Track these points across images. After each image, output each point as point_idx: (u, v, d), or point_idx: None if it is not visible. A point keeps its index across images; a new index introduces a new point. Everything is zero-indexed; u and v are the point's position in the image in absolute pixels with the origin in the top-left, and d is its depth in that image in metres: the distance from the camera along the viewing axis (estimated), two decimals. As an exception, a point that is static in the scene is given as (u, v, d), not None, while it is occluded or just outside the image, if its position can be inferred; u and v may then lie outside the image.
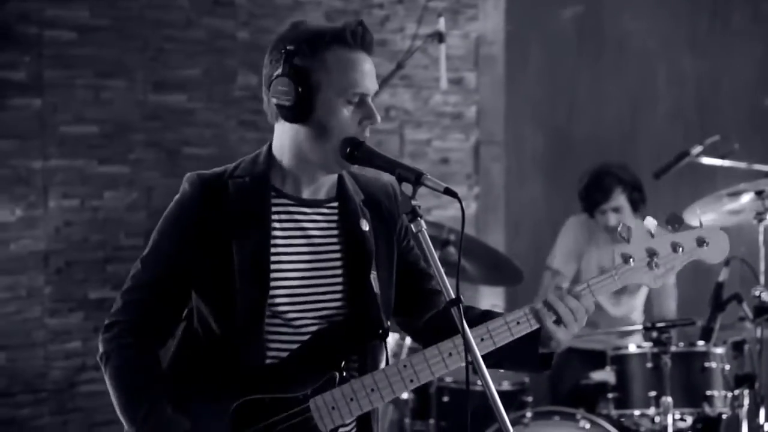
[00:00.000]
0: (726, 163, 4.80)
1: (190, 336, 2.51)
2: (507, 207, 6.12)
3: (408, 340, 4.39)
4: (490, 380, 2.23)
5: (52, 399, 5.00)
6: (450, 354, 2.40)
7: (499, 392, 2.25)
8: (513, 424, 2.24)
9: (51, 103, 4.98)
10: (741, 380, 4.05)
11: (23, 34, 4.92)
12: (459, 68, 5.92)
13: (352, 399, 2.39)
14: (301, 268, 2.47)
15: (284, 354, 2.44)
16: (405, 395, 4.44)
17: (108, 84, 5.10)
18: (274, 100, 2.44)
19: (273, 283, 2.43)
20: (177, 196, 2.50)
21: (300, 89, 2.39)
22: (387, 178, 2.47)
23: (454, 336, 2.40)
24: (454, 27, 5.85)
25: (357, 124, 2.42)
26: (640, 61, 6.45)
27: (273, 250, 2.44)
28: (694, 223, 4.46)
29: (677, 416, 4.10)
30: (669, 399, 3.94)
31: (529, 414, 4.15)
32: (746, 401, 4.04)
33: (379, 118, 2.46)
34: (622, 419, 4.22)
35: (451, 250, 4.45)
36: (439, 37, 4.62)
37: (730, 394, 4.10)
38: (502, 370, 4.50)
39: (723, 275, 4.14)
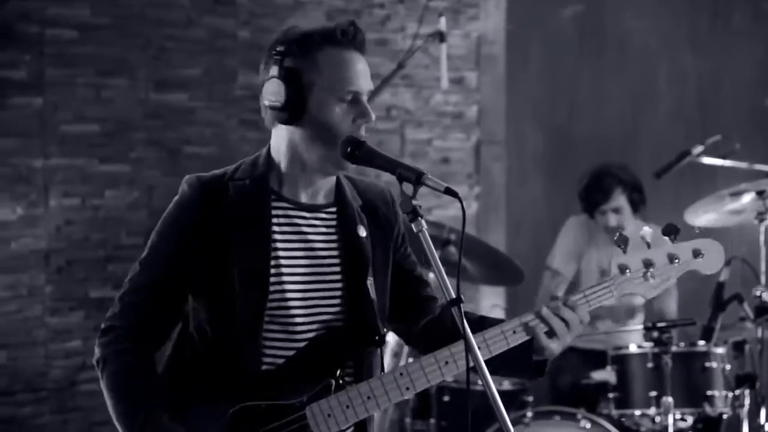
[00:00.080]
0: (727, 162, 4.80)
1: (185, 339, 2.49)
2: (508, 206, 6.12)
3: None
4: (490, 380, 2.23)
5: (53, 398, 5.00)
6: (446, 362, 2.40)
7: (499, 392, 2.24)
8: (514, 424, 2.24)
9: (52, 102, 4.98)
10: (742, 380, 4.05)
11: (24, 32, 4.92)
12: (460, 68, 5.92)
13: (348, 406, 2.38)
14: (300, 272, 2.46)
15: (280, 360, 2.43)
16: (405, 395, 4.44)
17: (109, 83, 5.10)
18: (266, 103, 2.43)
19: (272, 288, 2.42)
20: (176, 198, 2.48)
21: (291, 90, 2.39)
22: (385, 182, 2.46)
23: (450, 343, 2.40)
24: (455, 26, 5.85)
25: (351, 122, 2.41)
26: (640, 61, 6.44)
27: (272, 254, 2.43)
28: (697, 223, 4.48)
29: (678, 416, 4.10)
30: (670, 399, 3.94)
31: (529, 414, 4.15)
32: (747, 401, 4.05)
33: (374, 117, 2.44)
34: (623, 419, 4.22)
35: (452, 249, 4.45)
36: (440, 36, 4.61)
37: (730, 394, 4.10)
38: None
39: (724, 275, 4.14)
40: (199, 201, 2.43)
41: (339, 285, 2.50)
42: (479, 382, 2.25)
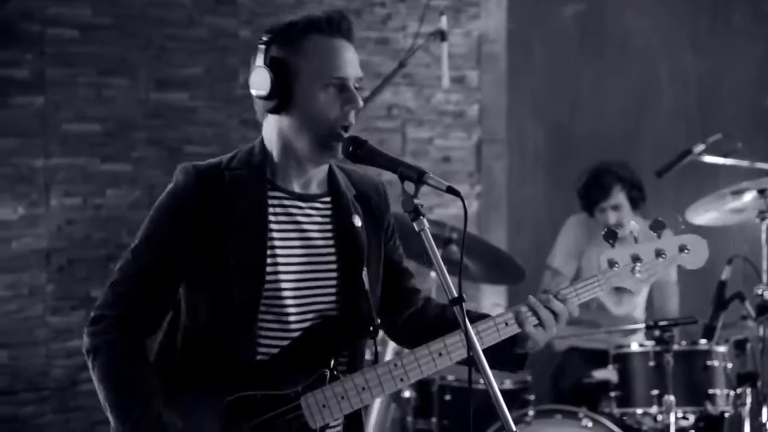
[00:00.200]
0: (728, 161, 4.79)
1: (176, 328, 2.48)
2: (509, 205, 6.12)
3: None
4: (492, 379, 2.23)
5: (54, 397, 5.00)
6: (440, 354, 2.41)
7: (501, 391, 2.24)
8: (515, 423, 2.24)
9: (53, 101, 4.98)
10: (743, 379, 4.05)
11: (25, 32, 4.92)
12: (461, 66, 5.92)
13: (342, 397, 2.39)
14: (296, 262, 2.46)
15: (275, 350, 2.43)
16: (407, 393, 4.45)
17: (110, 82, 5.10)
18: (253, 92, 2.44)
19: (268, 277, 2.41)
20: (170, 187, 2.46)
21: (277, 78, 2.40)
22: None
23: (432, 335, 2.42)
24: (456, 25, 5.85)
25: (339, 109, 2.42)
26: (641, 60, 6.44)
27: (268, 243, 2.42)
28: (697, 221, 4.49)
29: (680, 415, 4.10)
30: (671, 397, 3.93)
31: (531, 412, 4.15)
32: (749, 400, 4.05)
33: (361, 103, 2.45)
34: (625, 418, 4.22)
35: (453, 248, 4.45)
36: (441, 35, 4.61)
37: (732, 393, 4.10)
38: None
39: (725, 274, 4.14)
40: (195, 189, 2.41)
41: (334, 275, 2.50)
42: (481, 380, 2.25)
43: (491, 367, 2.27)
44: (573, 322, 4.95)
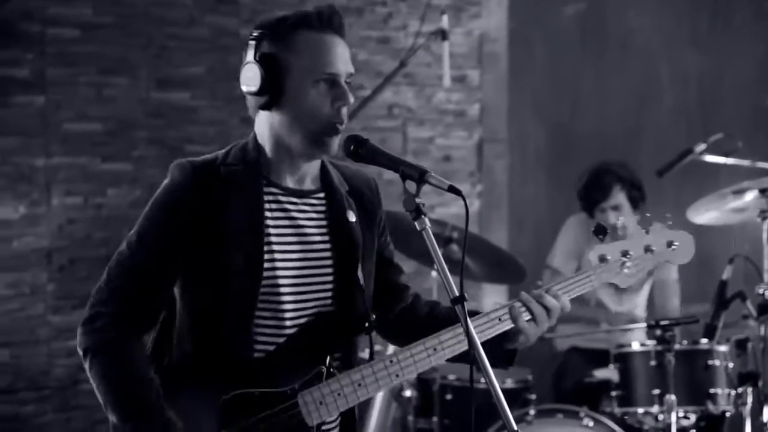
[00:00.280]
0: (729, 160, 4.79)
1: (170, 326, 2.47)
2: (510, 204, 6.12)
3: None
4: (494, 378, 2.23)
5: (56, 396, 5.00)
6: (435, 350, 2.42)
7: (502, 390, 2.24)
8: (516, 422, 2.24)
9: (54, 101, 4.98)
10: (744, 378, 4.05)
11: (26, 31, 4.92)
12: (462, 66, 5.92)
13: (339, 394, 2.39)
14: (292, 258, 2.45)
15: (271, 347, 2.42)
16: (408, 392, 4.45)
17: (111, 81, 5.10)
18: (244, 88, 2.43)
19: (265, 273, 2.40)
20: (166, 182, 2.44)
21: (268, 74, 2.38)
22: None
23: (422, 332, 2.44)
24: (457, 24, 5.85)
25: (330, 105, 2.41)
26: (642, 59, 6.44)
27: (265, 239, 2.41)
28: (698, 221, 4.48)
29: (681, 414, 4.10)
30: (672, 397, 3.93)
31: (532, 412, 4.15)
32: (750, 399, 4.05)
33: (351, 99, 2.43)
34: (626, 417, 4.22)
35: (454, 247, 4.45)
36: (442, 34, 4.61)
37: (733, 392, 4.11)
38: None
39: (727, 273, 4.14)
40: (191, 185, 2.40)
41: (330, 270, 2.49)
42: (482, 380, 2.25)
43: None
44: (573, 320, 4.97)
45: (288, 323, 2.44)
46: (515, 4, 6.08)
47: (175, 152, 5.18)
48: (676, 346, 4.00)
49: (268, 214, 2.43)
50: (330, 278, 2.49)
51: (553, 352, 5.18)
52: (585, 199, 5.08)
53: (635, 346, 4.26)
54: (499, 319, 2.46)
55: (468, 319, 2.24)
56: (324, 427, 2.44)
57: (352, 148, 2.38)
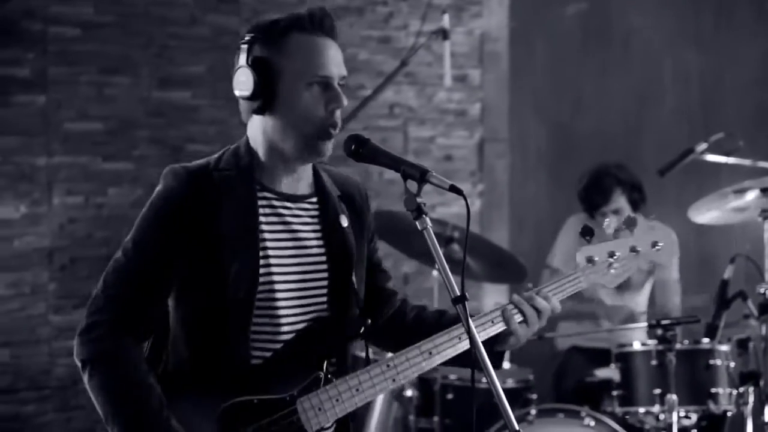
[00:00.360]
0: (731, 160, 4.79)
1: (165, 336, 2.45)
2: (511, 204, 6.12)
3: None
4: (495, 377, 2.22)
5: (56, 396, 5.00)
6: (430, 353, 2.43)
7: (503, 390, 2.24)
8: (517, 422, 2.24)
9: (55, 100, 4.98)
10: (746, 378, 4.05)
11: (27, 30, 4.92)
12: (463, 65, 5.92)
13: (337, 400, 2.39)
14: (287, 263, 2.44)
15: (268, 353, 2.42)
16: (409, 392, 4.45)
17: (112, 81, 5.10)
18: (237, 93, 2.42)
19: (261, 279, 2.39)
20: (160, 189, 2.43)
21: (260, 78, 2.37)
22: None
23: (412, 337, 2.45)
24: (458, 24, 5.85)
25: (324, 108, 2.40)
26: (644, 58, 6.44)
27: (261, 245, 2.40)
28: (698, 220, 4.48)
29: (682, 414, 4.10)
30: (674, 396, 3.93)
31: (533, 411, 4.14)
32: (751, 399, 4.05)
33: (345, 101, 2.41)
34: (627, 417, 4.22)
35: (455, 247, 4.45)
36: (444, 34, 4.61)
37: (734, 392, 4.10)
38: (506, 367, 4.49)
39: (728, 272, 4.14)
40: (186, 192, 2.39)
41: (324, 275, 2.49)
42: (483, 379, 2.25)
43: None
44: (572, 316, 4.98)
45: (284, 329, 2.43)
46: (516, 4, 6.08)
47: (176, 151, 5.18)
48: (678, 346, 4.00)
49: (262, 219, 2.42)
50: (325, 283, 2.49)
51: (554, 351, 5.18)
52: (586, 201, 5.07)
53: (636, 346, 4.26)
54: (492, 322, 2.48)
55: (469, 318, 2.24)
56: None
57: (353, 147, 2.37)
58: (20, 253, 4.94)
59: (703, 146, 4.74)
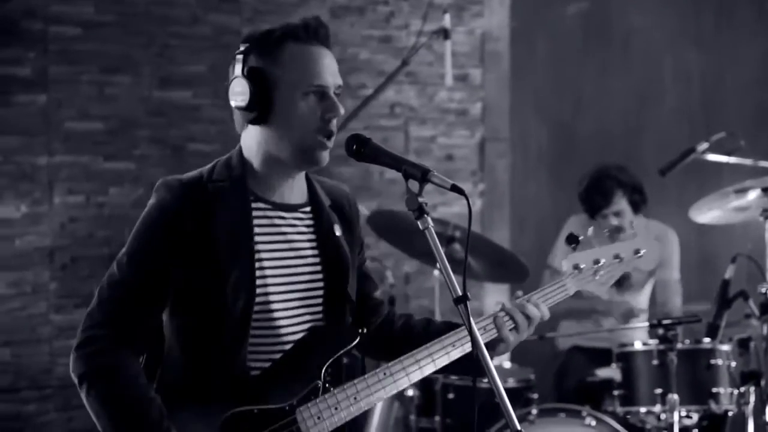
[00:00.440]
0: (732, 159, 4.78)
1: (161, 347, 2.45)
2: (512, 203, 6.11)
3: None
4: (497, 377, 2.22)
5: (58, 395, 5.00)
6: (425, 361, 2.46)
7: (504, 389, 2.24)
8: (518, 422, 2.24)
9: (56, 99, 4.98)
10: (747, 377, 4.05)
11: (28, 30, 4.92)
12: (464, 65, 5.91)
13: (336, 408, 2.40)
14: (283, 273, 2.45)
15: (266, 363, 2.42)
16: (410, 392, 4.45)
17: (113, 80, 5.10)
18: (232, 103, 2.41)
19: (258, 290, 2.39)
20: (153, 201, 2.42)
21: (256, 88, 2.37)
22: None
23: (401, 345, 2.49)
24: (459, 23, 5.84)
25: (320, 118, 2.40)
26: (645, 58, 6.44)
27: (256, 256, 2.41)
28: (699, 219, 4.48)
29: (683, 413, 4.10)
30: (675, 396, 3.93)
31: (534, 411, 4.14)
32: (752, 398, 4.04)
33: (341, 110, 2.42)
34: (628, 416, 4.21)
35: (457, 247, 4.44)
36: (444, 33, 4.61)
37: (736, 391, 4.10)
38: (507, 366, 4.49)
39: (729, 272, 4.13)
40: (180, 204, 2.38)
41: (320, 284, 2.50)
42: (484, 379, 2.25)
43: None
44: (571, 314, 4.98)
45: (283, 339, 2.44)
46: (517, 3, 6.08)
47: (177, 151, 5.18)
48: (679, 346, 4.00)
49: (257, 230, 2.42)
50: (321, 292, 2.50)
51: (555, 351, 5.18)
52: (586, 203, 5.07)
53: (637, 346, 4.25)
54: (484, 329, 2.50)
55: (471, 318, 2.24)
56: None
57: (354, 147, 2.37)
58: (21, 253, 4.94)
59: (704, 146, 4.74)
